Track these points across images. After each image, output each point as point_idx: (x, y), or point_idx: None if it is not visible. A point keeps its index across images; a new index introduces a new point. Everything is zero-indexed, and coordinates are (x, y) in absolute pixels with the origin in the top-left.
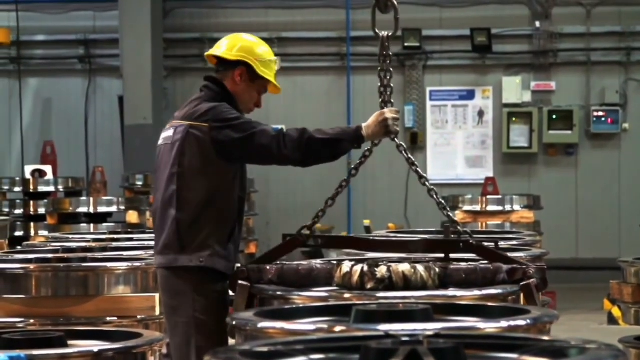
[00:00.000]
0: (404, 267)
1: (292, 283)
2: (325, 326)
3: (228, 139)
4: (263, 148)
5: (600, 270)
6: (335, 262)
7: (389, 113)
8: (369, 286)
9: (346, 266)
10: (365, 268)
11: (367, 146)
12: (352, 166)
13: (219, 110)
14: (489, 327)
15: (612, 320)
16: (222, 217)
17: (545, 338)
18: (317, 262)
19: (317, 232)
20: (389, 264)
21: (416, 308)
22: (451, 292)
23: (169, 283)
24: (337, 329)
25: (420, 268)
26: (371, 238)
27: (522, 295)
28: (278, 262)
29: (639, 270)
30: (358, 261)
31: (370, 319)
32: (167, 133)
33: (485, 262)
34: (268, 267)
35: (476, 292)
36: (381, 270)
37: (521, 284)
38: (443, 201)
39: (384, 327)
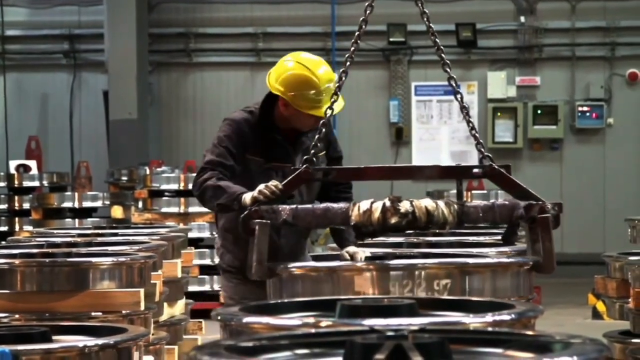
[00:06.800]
0: (427, 202)
1: (307, 224)
2: (310, 321)
3: None
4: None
5: (584, 265)
6: (350, 203)
7: (269, 185)
8: (392, 221)
9: (365, 204)
10: (388, 203)
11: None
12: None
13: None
14: (474, 321)
15: (596, 314)
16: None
17: (530, 333)
18: (332, 204)
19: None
20: (412, 199)
21: (401, 303)
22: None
23: None
24: (323, 324)
25: (441, 204)
26: (386, 166)
27: (539, 229)
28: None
29: (623, 265)
30: (376, 200)
31: (355, 313)
32: None
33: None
34: (281, 208)
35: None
36: (404, 205)
37: (539, 216)
38: (471, 117)
39: (369, 322)
